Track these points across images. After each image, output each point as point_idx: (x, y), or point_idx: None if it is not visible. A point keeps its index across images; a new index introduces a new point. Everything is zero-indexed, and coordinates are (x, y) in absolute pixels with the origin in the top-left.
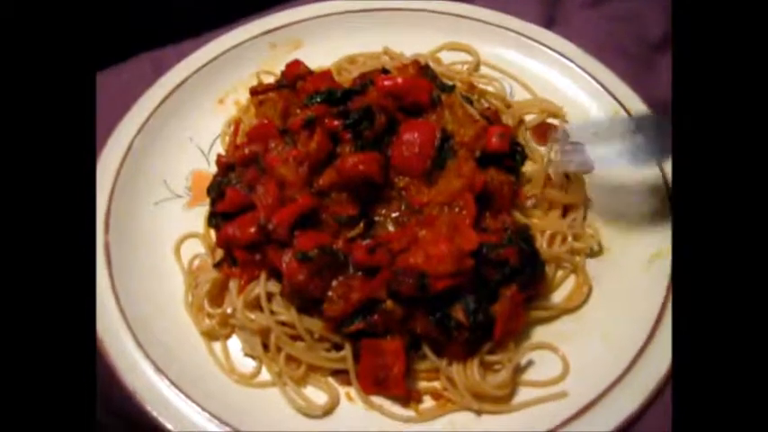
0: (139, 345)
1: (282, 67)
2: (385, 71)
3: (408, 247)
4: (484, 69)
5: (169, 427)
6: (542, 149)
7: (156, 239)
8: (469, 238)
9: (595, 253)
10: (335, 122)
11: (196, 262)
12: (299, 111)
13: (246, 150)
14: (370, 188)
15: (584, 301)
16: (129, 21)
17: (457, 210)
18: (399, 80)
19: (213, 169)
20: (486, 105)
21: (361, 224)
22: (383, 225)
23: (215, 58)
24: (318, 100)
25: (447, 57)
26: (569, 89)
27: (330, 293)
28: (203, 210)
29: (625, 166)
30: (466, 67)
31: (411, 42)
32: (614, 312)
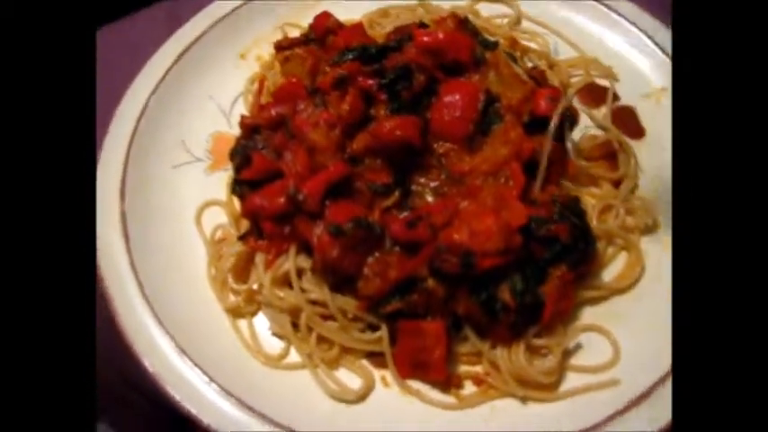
0: (159, 322)
1: (309, 19)
2: (422, 25)
3: (451, 220)
4: (525, 24)
5: (193, 411)
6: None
7: (175, 207)
8: (518, 213)
9: (649, 228)
10: (370, 82)
11: (219, 232)
12: (328, 68)
13: (273, 112)
14: (407, 154)
15: (637, 281)
16: None
17: (503, 180)
18: (440, 35)
19: (235, 131)
20: (531, 64)
21: (397, 193)
22: (421, 195)
23: (235, 9)
24: (351, 57)
25: (485, 9)
26: (619, 46)
27: (366, 270)
28: (225, 175)
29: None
30: (506, 21)
31: None
32: (667, 293)
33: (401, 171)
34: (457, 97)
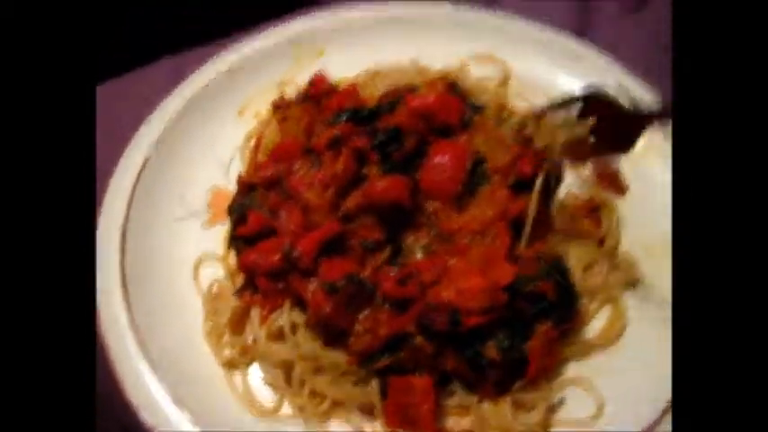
0: (157, 375)
1: (304, 77)
2: (413, 88)
3: (439, 278)
4: (513, 83)
5: None
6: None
7: (173, 260)
8: (504, 272)
9: (632, 284)
10: (363, 142)
11: (215, 286)
12: (323, 128)
13: (269, 172)
14: (398, 213)
15: (620, 336)
16: (152, 24)
17: (490, 238)
18: (429, 100)
19: (233, 185)
20: (518, 126)
21: (388, 250)
22: (411, 252)
23: (234, 67)
24: (345, 118)
25: (475, 69)
26: None
27: (357, 327)
28: (222, 229)
29: None
30: (495, 81)
31: (438, 53)
32: (652, 346)
33: (393, 228)
34: (446, 158)
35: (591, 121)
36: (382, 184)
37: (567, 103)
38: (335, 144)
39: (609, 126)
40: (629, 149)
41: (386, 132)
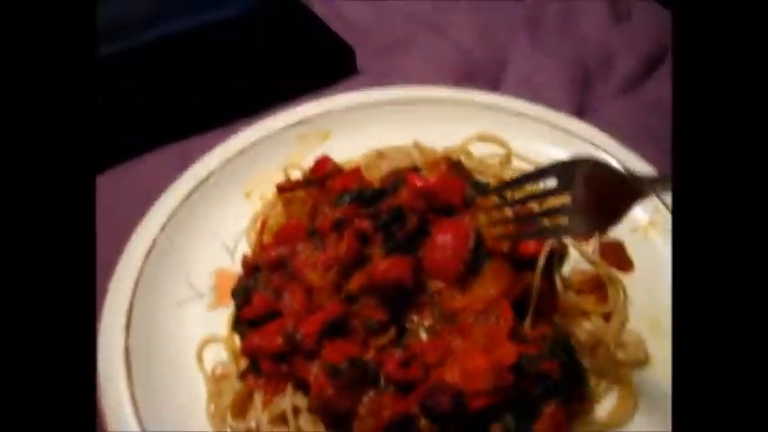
0: None
1: (310, 160)
2: (416, 169)
3: (443, 359)
4: (516, 161)
5: None
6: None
7: (177, 342)
8: (508, 352)
9: (641, 362)
10: (366, 223)
11: (219, 369)
12: (327, 210)
13: (273, 253)
14: (401, 293)
15: (630, 415)
16: (156, 112)
17: (493, 318)
18: (431, 180)
19: (238, 267)
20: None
21: (392, 330)
22: (415, 333)
23: (241, 151)
24: (348, 200)
25: (478, 148)
26: None
27: (360, 409)
28: (226, 311)
29: None
30: (497, 159)
31: (441, 133)
32: (662, 427)
33: (396, 309)
34: (448, 237)
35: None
36: (385, 265)
37: (547, 171)
38: (339, 226)
39: (595, 194)
40: (616, 221)
41: (388, 212)
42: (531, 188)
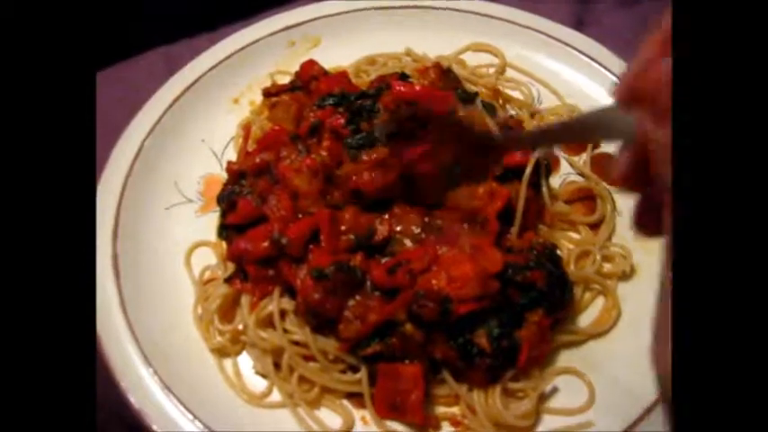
0: (147, 361)
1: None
2: (404, 75)
3: (429, 266)
4: (510, 72)
5: None
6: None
7: (166, 247)
8: (494, 259)
9: (626, 274)
10: (339, 120)
11: (207, 273)
12: (312, 114)
13: (258, 159)
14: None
15: (613, 325)
16: (143, 13)
17: (479, 227)
18: (416, 88)
19: (225, 174)
20: (510, 113)
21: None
22: (401, 241)
23: (230, 56)
24: (330, 102)
25: (472, 58)
26: (599, 94)
27: (346, 313)
28: (215, 216)
29: None
30: (492, 69)
31: (434, 42)
32: (644, 338)
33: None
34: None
35: None
36: (369, 176)
37: None
38: (317, 129)
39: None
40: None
41: (360, 105)
42: None
